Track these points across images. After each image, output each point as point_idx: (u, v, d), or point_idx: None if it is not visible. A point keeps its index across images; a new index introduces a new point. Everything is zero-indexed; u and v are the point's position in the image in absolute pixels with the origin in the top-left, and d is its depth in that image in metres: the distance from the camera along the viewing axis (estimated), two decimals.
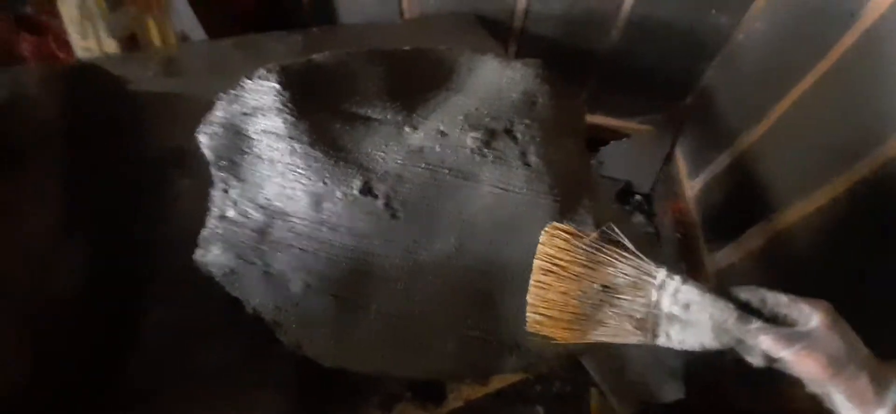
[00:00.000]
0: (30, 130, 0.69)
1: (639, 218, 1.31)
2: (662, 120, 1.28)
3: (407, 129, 0.50)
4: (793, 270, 0.85)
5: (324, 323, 0.49)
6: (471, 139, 0.48)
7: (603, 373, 0.90)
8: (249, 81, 0.53)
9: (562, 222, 0.47)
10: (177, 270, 0.64)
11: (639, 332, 0.40)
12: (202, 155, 0.67)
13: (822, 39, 0.80)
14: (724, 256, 1.04)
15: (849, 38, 0.74)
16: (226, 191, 0.53)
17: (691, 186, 1.20)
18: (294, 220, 0.50)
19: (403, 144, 0.49)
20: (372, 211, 0.48)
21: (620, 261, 0.40)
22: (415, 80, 0.54)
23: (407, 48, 0.57)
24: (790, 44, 0.91)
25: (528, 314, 0.44)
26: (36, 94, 0.74)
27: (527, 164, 0.47)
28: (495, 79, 0.52)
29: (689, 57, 1.12)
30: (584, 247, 0.41)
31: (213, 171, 0.53)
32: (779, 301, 0.38)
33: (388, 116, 0.51)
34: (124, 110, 0.82)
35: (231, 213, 0.52)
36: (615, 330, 0.40)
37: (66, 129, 0.70)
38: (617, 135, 1.30)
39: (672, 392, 0.94)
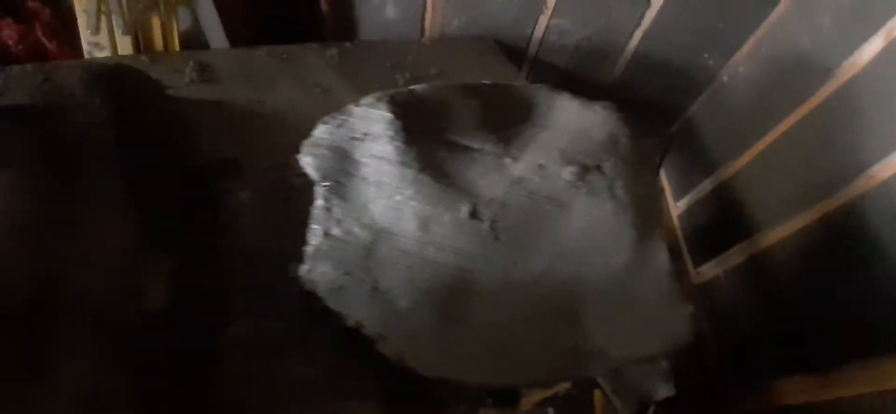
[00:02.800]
0: (80, 133, 0.67)
1: None
2: (650, 144, 1.42)
3: (507, 160, 0.56)
4: (771, 285, 0.99)
5: (429, 336, 0.53)
6: (568, 173, 0.54)
7: (605, 375, 1.00)
8: (357, 108, 0.56)
9: (639, 248, 0.55)
10: (252, 284, 0.65)
11: None
12: (257, 167, 0.69)
13: (801, 90, 0.95)
14: (708, 270, 1.18)
15: (824, 91, 0.89)
16: (328, 209, 0.55)
17: (676, 207, 1.34)
18: (401, 239, 0.54)
19: (505, 174, 0.55)
20: (478, 233, 0.54)
21: None
22: (503, 113, 0.60)
23: (489, 83, 0.63)
24: (771, 90, 1.06)
25: None
26: (82, 95, 0.72)
27: (614, 198, 0.55)
28: (578, 119, 0.60)
29: (681, 91, 1.27)
30: None
31: (318, 190, 0.55)
32: None
33: (487, 147, 0.57)
34: (169, 117, 0.81)
35: (336, 231, 0.55)
36: None
37: (117, 135, 0.68)
38: None
39: (664, 391, 1.07)
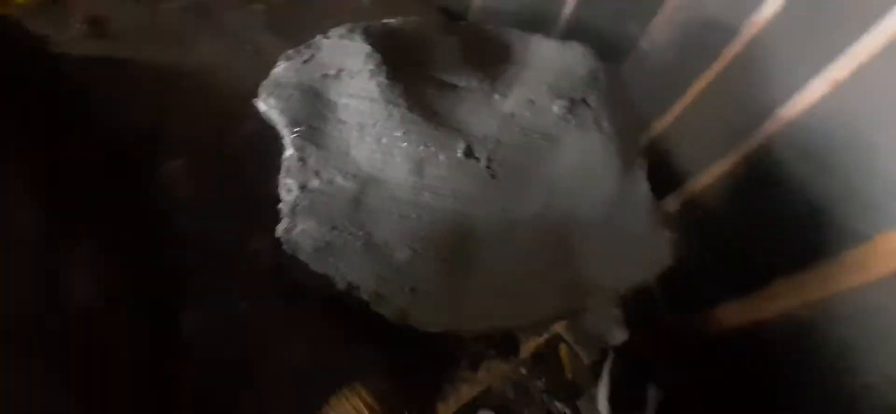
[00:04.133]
0: None
1: None
2: None
3: (496, 96, 0.53)
4: (704, 226, 1.10)
5: (431, 288, 0.49)
6: (557, 107, 0.53)
7: (568, 330, 1.05)
8: (327, 41, 0.49)
9: (624, 178, 0.57)
10: (207, 264, 0.54)
11: None
12: (186, 135, 0.59)
13: (712, 49, 1.06)
14: None
15: (732, 49, 1.01)
16: (303, 159, 0.48)
17: None
18: (392, 186, 0.48)
19: (495, 111, 0.52)
20: (474, 173, 0.50)
21: None
22: (481, 52, 0.58)
23: (463, 23, 0.60)
24: (685, 52, 1.18)
25: None
26: None
27: (601, 129, 0.56)
28: (558, 56, 0.59)
29: (609, 58, 1.35)
30: None
31: (288, 137, 0.47)
32: None
33: (474, 84, 0.54)
34: (63, 76, 0.64)
35: (315, 183, 0.47)
36: None
37: None
38: None
39: (620, 336, 1.15)
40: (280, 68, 0.48)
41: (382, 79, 0.48)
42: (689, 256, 1.25)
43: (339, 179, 0.48)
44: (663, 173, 1.23)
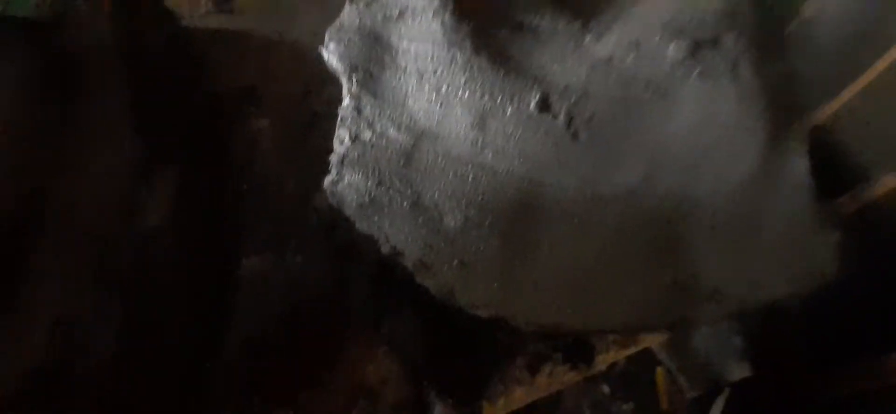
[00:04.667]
0: (85, 45, 0.59)
1: None
2: None
3: (588, 38, 0.43)
4: (884, 244, 0.80)
5: (486, 263, 0.41)
6: (674, 49, 0.40)
7: (670, 352, 0.86)
8: None
9: (770, 153, 0.40)
10: (271, 216, 0.55)
11: None
12: (278, 96, 0.59)
13: None
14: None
15: None
16: (358, 109, 0.44)
17: None
18: (449, 142, 0.42)
19: (586, 56, 0.42)
20: (549, 131, 0.41)
21: None
22: None
23: None
24: (867, 20, 0.86)
25: None
26: (88, 14, 0.64)
27: (737, 80, 0.41)
28: None
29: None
30: None
31: (346, 85, 0.45)
32: None
33: (560, 26, 0.44)
34: (181, 44, 0.73)
35: (367, 134, 0.44)
36: None
37: (125, 53, 0.60)
38: None
39: (738, 371, 0.91)
40: (344, 12, 0.45)
41: (447, 17, 0.41)
42: (856, 280, 0.93)
43: (393, 131, 0.43)
44: (830, 171, 0.93)
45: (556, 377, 0.45)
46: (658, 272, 0.41)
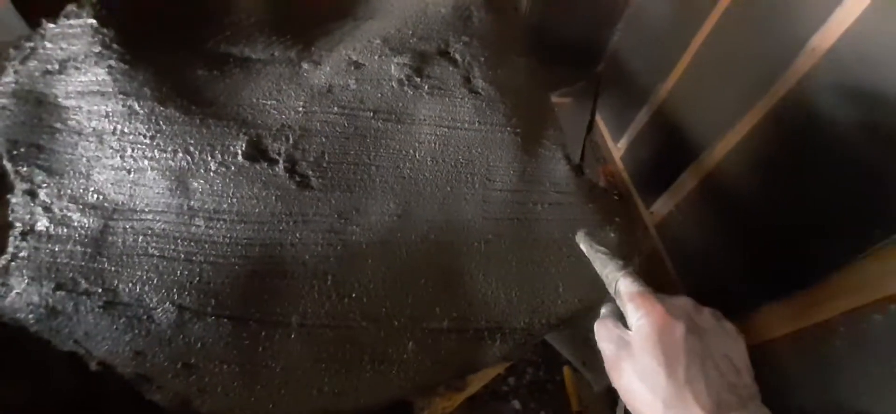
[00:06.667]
0: None
1: None
2: (579, 90, 1.28)
3: (305, 66, 0.36)
4: (727, 204, 0.85)
5: (221, 361, 0.33)
6: (396, 67, 0.35)
7: (573, 349, 0.85)
8: (52, 25, 0.35)
9: (525, 158, 0.37)
10: None
11: None
12: None
13: None
14: (661, 206, 1.03)
15: None
16: (32, 194, 0.34)
17: (617, 148, 1.20)
18: (149, 216, 0.33)
19: (304, 86, 0.35)
20: (269, 182, 0.34)
21: None
22: (307, 6, 0.41)
23: None
24: None
25: None
26: None
27: (474, 91, 0.36)
28: None
29: (596, 25, 1.12)
30: None
31: (8, 167, 0.34)
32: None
33: (276, 54, 0.37)
34: None
35: (43, 223, 0.33)
36: None
37: None
38: None
39: None
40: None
41: (115, 62, 0.33)
42: (713, 249, 0.97)
43: (76, 215, 0.34)
44: (673, 146, 0.97)
45: None
46: (434, 320, 0.35)
